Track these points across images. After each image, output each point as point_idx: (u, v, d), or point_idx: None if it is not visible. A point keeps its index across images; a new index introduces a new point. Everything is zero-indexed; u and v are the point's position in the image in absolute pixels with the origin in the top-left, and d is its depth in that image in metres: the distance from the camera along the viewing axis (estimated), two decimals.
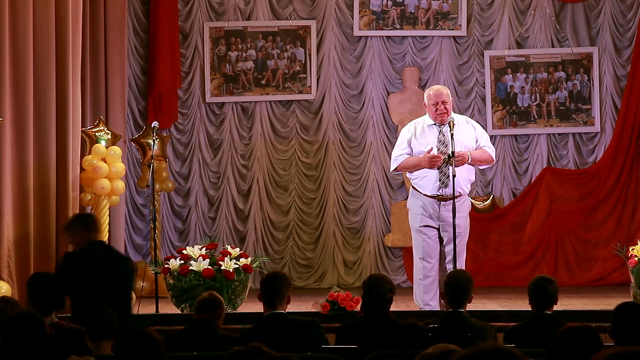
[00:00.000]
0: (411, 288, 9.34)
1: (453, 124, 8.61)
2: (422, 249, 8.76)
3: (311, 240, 12.01)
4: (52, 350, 4.51)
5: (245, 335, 6.07)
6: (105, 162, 9.64)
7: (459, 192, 8.62)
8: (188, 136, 12.00)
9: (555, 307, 6.37)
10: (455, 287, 6.18)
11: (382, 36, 12.07)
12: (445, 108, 8.71)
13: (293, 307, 7.22)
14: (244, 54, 12.01)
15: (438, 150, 8.71)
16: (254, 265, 9.04)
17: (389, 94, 12.05)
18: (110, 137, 9.93)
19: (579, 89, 12.01)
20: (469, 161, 8.70)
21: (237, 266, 8.80)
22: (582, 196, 11.88)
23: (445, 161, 8.62)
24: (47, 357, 4.52)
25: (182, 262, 8.81)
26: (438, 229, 8.74)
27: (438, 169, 8.65)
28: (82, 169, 9.70)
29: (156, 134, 9.91)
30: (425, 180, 8.74)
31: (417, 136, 8.83)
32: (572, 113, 12.01)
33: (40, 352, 4.55)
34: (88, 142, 9.90)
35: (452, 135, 8.53)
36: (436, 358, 3.47)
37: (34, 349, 4.56)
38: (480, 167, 9.39)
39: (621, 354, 3.10)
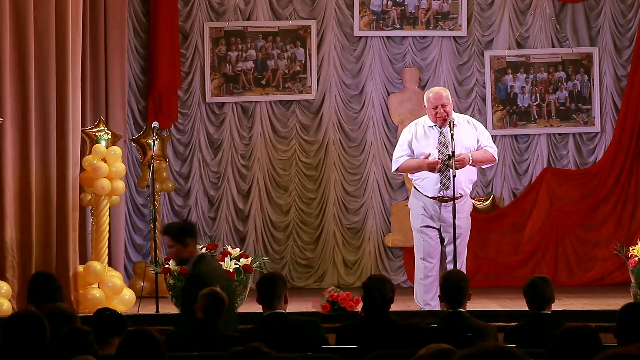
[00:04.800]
0: (411, 288, 9.34)
1: (453, 125, 8.60)
2: (423, 249, 8.76)
3: (311, 240, 12.01)
4: (66, 348, 4.53)
5: (245, 335, 6.07)
6: (105, 162, 9.64)
7: (460, 193, 8.62)
8: (188, 136, 12.00)
9: (555, 307, 6.37)
10: (451, 288, 6.18)
11: (382, 36, 12.07)
12: (445, 111, 8.69)
13: (293, 307, 7.22)
14: (244, 54, 12.01)
15: (439, 152, 8.70)
16: (254, 265, 9.04)
17: (389, 94, 12.05)
18: (110, 137, 9.92)
19: (579, 89, 12.01)
20: (470, 163, 8.69)
21: (237, 266, 8.80)
22: (582, 196, 11.88)
23: (445, 163, 8.60)
24: (59, 356, 4.53)
25: None
26: (439, 230, 8.73)
27: (439, 170, 8.64)
28: (82, 169, 9.70)
29: (156, 134, 9.91)
30: (427, 182, 8.74)
31: (417, 137, 8.82)
32: (572, 113, 12.01)
33: (55, 349, 4.57)
34: (88, 142, 9.89)
35: (452, 135, 8.52)
36: (430, 359, 3.46)
37: (38, 347, 4.57)
38: (483, 167, 9.38)
39: (621, 355, 3.10)
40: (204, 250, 8.91)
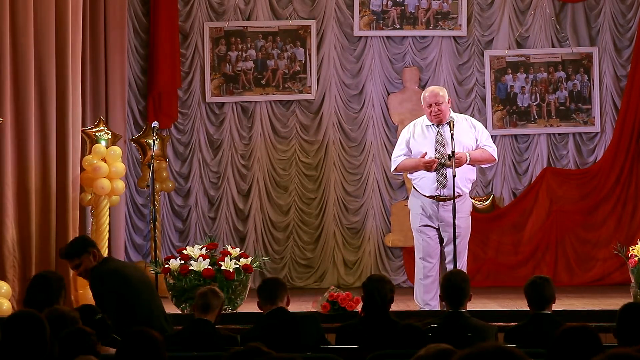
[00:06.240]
0: (411, 288, 9.34)
1: (453, 124, 8.59)
2: (422, 249, 8.75)
3: (311, 240, 12.01)
4: (69, 349, 4.53)
5: (247, 332, 6.09)
6: (105, 162, 9.64)
7: (459, 192, 8.59)
8: (188, 136, 12.01)
9: (555, 307, 6.36)
10: (451, 288, 6.17)
11: (382, 36, 12.07)
12: (439, 110, 8.65)
13: (293, 307, 7.21)
14: (244, 54, 12.01)
15: (436, 150, 8.69)
16: (254, 265, 9.04)
17: (389, 94, 12.05)
18: (110, 137, 9.93)
19: (579, 89, 12.01)
20: (468, 162, 8.67)
21: (237, 266, 8.80)
22: (582, 196, 11.88)
23: (441, 162, 8.58)
24: (61, 356, 4.53)
25: (182, 262, 8.81)
26: (438, 229, 8.73)
27: (435, 169, 8.63)
28: (82, 169, 9.71)
29: (156, 134, 9.91)
30: (424, 181, 8.73)
31: (415, 137, 8.81)
32: (572, 113, 12.01)
33: (58, 350, 4.57)
34: (88, 142, 9.90)
35: (452, 135, 8.51)
36: (430, 359, 3.46)
37: (38, 348, 4.58)
38: (482, 166, 9.37)
39: (620, 355, 3.10)
40: (203, 250, 8.92)
